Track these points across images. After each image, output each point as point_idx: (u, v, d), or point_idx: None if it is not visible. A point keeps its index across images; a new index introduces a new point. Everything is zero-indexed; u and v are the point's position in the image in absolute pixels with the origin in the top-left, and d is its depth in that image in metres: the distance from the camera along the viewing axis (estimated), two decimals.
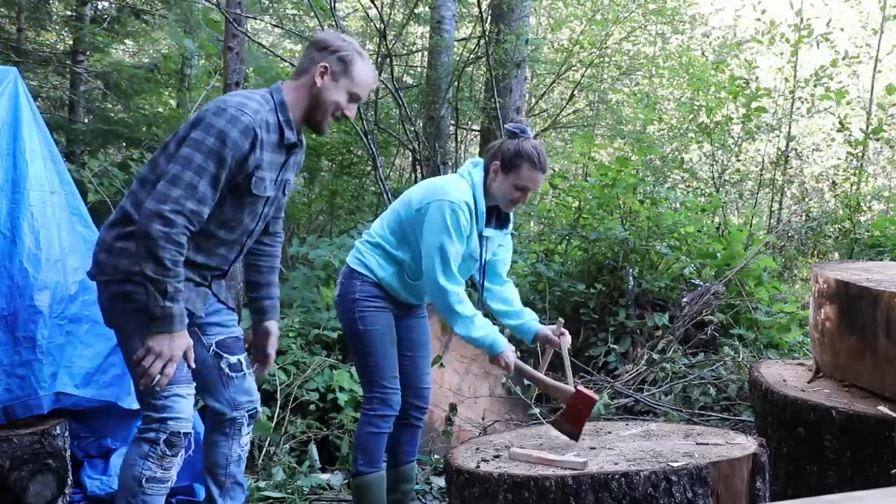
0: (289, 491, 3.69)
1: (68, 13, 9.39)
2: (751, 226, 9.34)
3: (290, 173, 2.72)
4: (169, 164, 2.42)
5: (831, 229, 7.94)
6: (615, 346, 5.15)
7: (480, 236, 3.00)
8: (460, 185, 2.95)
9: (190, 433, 2.51)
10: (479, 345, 2.89)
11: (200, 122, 2.43)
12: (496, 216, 3.10)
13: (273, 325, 2.90)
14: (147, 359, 2.38)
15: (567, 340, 3.03)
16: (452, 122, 8.89)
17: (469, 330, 2.86)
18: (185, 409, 2.50)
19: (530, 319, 3.12)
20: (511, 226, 3.21)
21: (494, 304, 3.17)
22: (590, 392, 2.76)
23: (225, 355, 2.74)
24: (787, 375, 3.20)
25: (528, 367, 2.94)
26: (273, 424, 4.13)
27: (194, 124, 2.45)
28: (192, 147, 2.40)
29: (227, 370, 2.74)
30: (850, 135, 8.67)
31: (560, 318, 3.14)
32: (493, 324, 3.06)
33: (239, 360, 2.77)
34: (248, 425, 2.84)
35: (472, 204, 2.93)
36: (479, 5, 7.94)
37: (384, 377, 3.03)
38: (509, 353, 2.90)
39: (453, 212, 2.86)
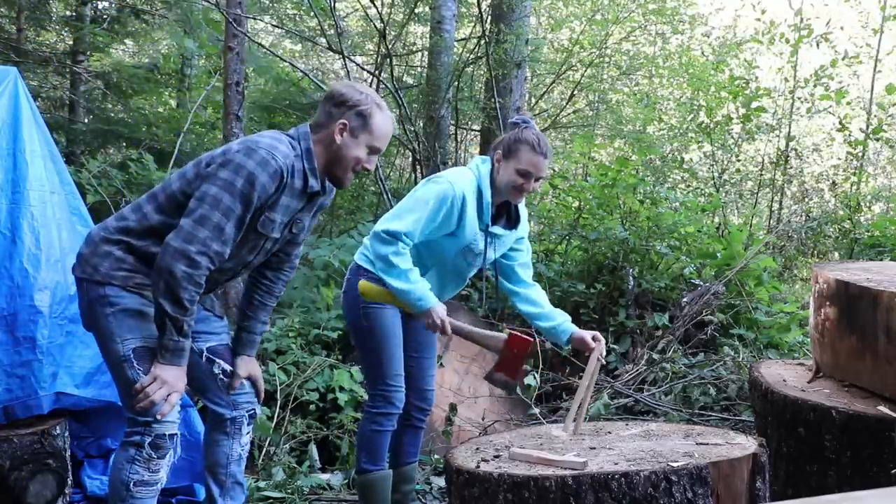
0: (289, 491, 3.69)
1: (68, 13, 9.39)
2: (751, 226, 9.33)
3: (305, 215, 2.69)
4: (193, 201, 2.41)
5: (831, 229, 7.94)
6: (615, 346, 5.15)
7: (487, 232, 2.99)
8: (463, 175, 2.96)
9: (176, 434, 2.51)
10: (408, 298, 2.83)
11: (230, 162, 2.41)
12: (507, 216, 3.09)
13: (242, 361, 2.81)
14: (153, 386, 2.39)
15: (602, 347, 2.89)
16: (452, 122, 8.90)
17: (401, 283, 2.82)
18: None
19: (564, 321, 3.05)
20: (524, 227, 3.18)
21: (523, 306, 3.14)
22: (523, 335, 2.74)
23: (217, 360, 2.75)
24: (787, 375, 3.19)
25: (460, 324, 2.91)
26: (273, 424, 4.13)
27: (223, 163, 2.42)
28: (221, 187, 2.39)
29: (221, 375, 2.74)
30: (849, 134, 8.66)
31: (596, 333, 3.03)
32: (527, 327, 3.05)
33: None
34: (248, 424, 2.84)
35: (475, 195, 2.94)
36: (478, 5, 7.94)
37: (388, 374, 3.01)
38: (439, 309, 2.84)
39: (444, 193, 2.86)
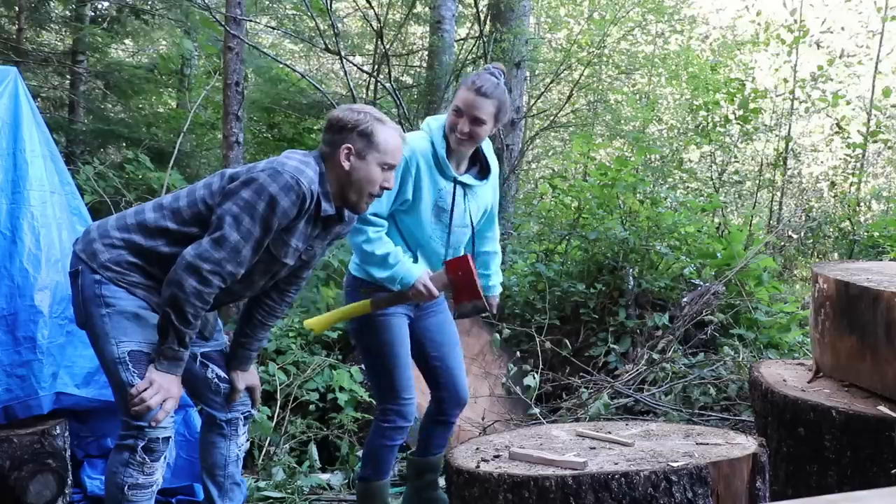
0: (289, 491, 3.69)
1: (68, 13, 9.38)
2: (751, 226, 9.34)
3: (318, 242, 2.66)
4: (215, 217, 2.40)
5: (830, 230, 7.94)
6: (615, 346, 5.14)
7: (456, 182, 2.93)
8: (414, 135, 2.90)
9: (170, 437, 2.50)
10: (393, 284, 2.80)
11: (253, 181, 2.38)
12: (479, 167, 3.03)
13: (238, 375, 2.80)
14: (149, 391, 2.38)
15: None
16: None
17: (380, 271, 2.79)
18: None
19: (493, 282, 3.21)
20: (496, 176, 3.10)
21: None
22: (456, 257, 2.81)
23: (211, 365, 2.74)
24: (787, 375, 3.19)
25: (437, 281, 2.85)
26: (273, 424, 4.13)
27: (246, 181, 2.40)
28: (243, 209, 2.37)
29: (215, 380, 2.74)
30: (848, 136, 8.67)
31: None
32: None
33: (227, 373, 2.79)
34: (244, 425, 2.84)
35: (428, 151, 2.87)
36: (476, 5, 7.93)
37: (401, 388, 2.96)
38: (422, 277, 2.79)
39: None
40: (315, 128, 9.08)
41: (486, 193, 3.07)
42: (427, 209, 2.90)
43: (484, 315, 2.93)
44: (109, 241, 2.49)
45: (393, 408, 2.97)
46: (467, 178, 2.96)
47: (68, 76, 9.35)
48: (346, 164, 2.50)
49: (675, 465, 2.12)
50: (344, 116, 2.51)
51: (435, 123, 2.94)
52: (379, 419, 3.01)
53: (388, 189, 2.59)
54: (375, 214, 2.82)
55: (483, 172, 3.04)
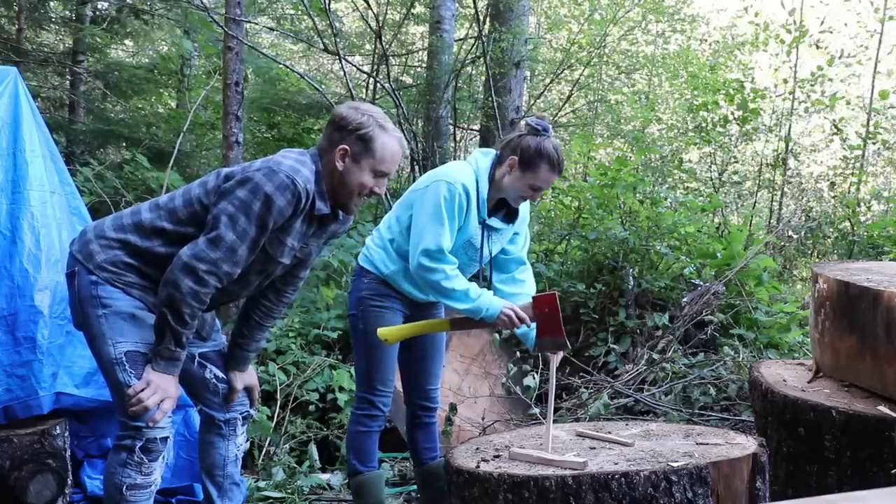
0: (289, 491, 3.69)
1: (68, 13, 9.38)
2: (751, 226, 9.33)
3: (314, 241, 2.65)
4: (211, 217, 2.39)
5: (830, 230, 7.94)
6: (615, 346, 5.14)
7: (484, 224, 2.96)
8: (463, 169, 2.91)
9: (168, 437, 2.50)
10: (477, 315, 2.78)
11: (248, 181, 2.38)
12: (506, 209, 3.04)
13: (236, 376, 2.79)
14: (146, 392, 2.37)
15: (558, 359, 2.82)
16: (451, 121, 8.90)
17: (464, 304, 2.77)
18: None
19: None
20: (523, 221, 3.13)
21: (509, 289, 3.11)
22: (544, 293, 2.75)
23: (209, 366, 2.74)
24: (787, 375, 3.19)
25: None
26: (273, 424, 4.13)
27: (241, 181, 2.39)
28: (238, 208, 2.36)
29: (213, 380, 2.74)
30: (846, 137, 8.67)
31: None
32: None
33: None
34: (243, 425, 2.84)
35: (474, 188, 2.88)
36: (475, 5, 7.93)
37: (379, 379, 3.02)
38: (510, 304, 2.77)
39: (449, 191, 2.81)
40: (315, 128, 9.08)
41: (507, 234, 3.10)
42: (461, 242, 2.94)
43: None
44: (106, 241, 2.49)
45: (365, 395, 3.04)
46: (494, 222, 2.99)
47: (68, 76, 9.35)
48: (339, 165, 2.49)
49: (675, 465, 2.12)
50: (347, 116, 2.50)
51: (483, 163, 2.94)
52: (353, 405, 3.09)
53: (377, 195, 2.59)
54: (446, 250, 2.81)
55: (510, 216, 3.06)
